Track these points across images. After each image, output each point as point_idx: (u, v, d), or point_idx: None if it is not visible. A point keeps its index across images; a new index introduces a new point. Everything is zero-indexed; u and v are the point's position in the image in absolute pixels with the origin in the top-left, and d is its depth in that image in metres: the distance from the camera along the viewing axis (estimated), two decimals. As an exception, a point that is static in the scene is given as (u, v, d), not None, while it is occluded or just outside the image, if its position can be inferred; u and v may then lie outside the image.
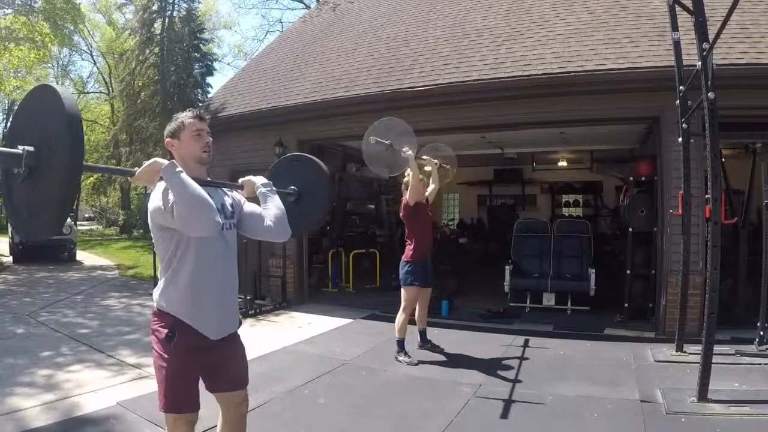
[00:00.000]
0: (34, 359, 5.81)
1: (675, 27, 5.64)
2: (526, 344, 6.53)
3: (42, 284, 11.89)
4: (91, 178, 32.19)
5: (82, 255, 18.27)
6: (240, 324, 2.74)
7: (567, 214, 14.79)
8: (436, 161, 6.09)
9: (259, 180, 2.78)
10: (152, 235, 2.51)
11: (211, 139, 2.64)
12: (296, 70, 10.56)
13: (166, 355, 2.46)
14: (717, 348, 4.70)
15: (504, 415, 4.34)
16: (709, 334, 4.52)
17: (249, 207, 2.72)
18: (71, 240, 17.13)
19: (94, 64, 35.32)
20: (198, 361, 2.53)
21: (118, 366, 5.67)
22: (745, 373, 5.14)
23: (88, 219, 47.39)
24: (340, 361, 5.86)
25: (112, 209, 39.19)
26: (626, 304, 7.59)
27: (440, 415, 4.28)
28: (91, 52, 33.93)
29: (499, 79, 7.34)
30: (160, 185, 2.28)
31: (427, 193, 6.00)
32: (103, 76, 34.53)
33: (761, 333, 5.75)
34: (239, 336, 2.75)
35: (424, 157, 5.95)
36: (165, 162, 2.22)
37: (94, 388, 4.91)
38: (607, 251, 10.71)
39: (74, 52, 32.59)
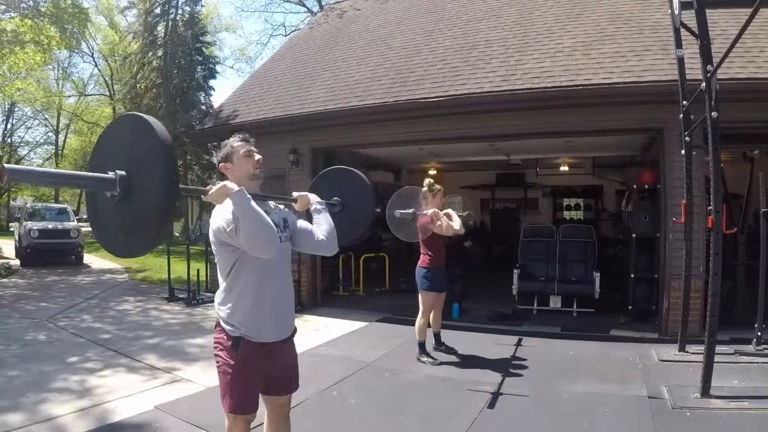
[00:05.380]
0: (62, 365, 5.91)
1: (679, 45, 5.93)
2: (536, 345, 6.83)
3: (54, 288, 11.97)
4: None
5: (88, 258, 18.26)
6: (295, 331, 2.97)
7: (568, 218, 15.07)
8: (465, 213, 6.43)
9: (314, 198, 3.04)
10: (213, 248, 2.75)
11: (260, 156, 2.87)
12: (307, 77, 10.77)
13: (231, 362, 2.69)
14: (717, 348, 4.99)
15: (524, 411, 4.64)
16: (711, 335, 4.84)
17: (301, 223, 2.94)
18: (79, 243, 17.22)
19: (96, 66, 35.42)
20: (259, 367, 2.76)
21: (149, 370, 5.79)
22: (744, 371, 5.44)
23: (80, 221, 47.32)
24: (363, 363, 6.10)
25: (114, 211, 39.21)
26: (630, 307, 7.91)
27: (465, 413, 4.56)
28: (92, 54, 34.04)
29: (510, 92, 7.59)
30: (227, 204, 2.49)
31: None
32: (104, 79, 34.61)
33: (759, 333, 6.09)
34: (294, 344, 2.99)
35: (448, 211, 6.21)
36: (234, 187, 2.44)
37: (128, 393, 5.01)
38: (608, 254, 10.99)
39: (75, 54, 32.60)
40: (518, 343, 6.88)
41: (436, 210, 5.92)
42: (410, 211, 5.60)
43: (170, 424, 4.29)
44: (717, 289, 4.92)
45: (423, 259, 6.17)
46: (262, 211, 2.48)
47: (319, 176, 3.68)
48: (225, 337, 2.73)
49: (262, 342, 2.74)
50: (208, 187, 2.51)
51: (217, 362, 2.77)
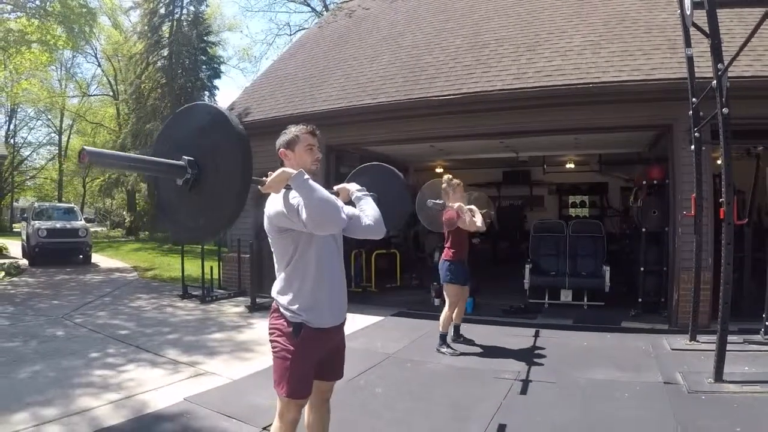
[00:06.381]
0: (86, 360, 6.00)
1: (688, 44, 6.11)
2: (550, 337, 7.01)
3: (65, 287, 12.06)
4: (98, 180, 32.48)
5: (95, 257, 18.33)
6: (346, 319, 3.05)
7: (574, 215, 15.14)
8: (483, 210, 6.63)
9: (353, 186, 3.11)
10: (270, 236, 2.82)
11: (320, 155, 2.95)
12: (319, 75, 10.94)
13: (291, 347, 2.76)
14: (727, 337, 5.18)
15: (546, 397, 4.81)
16: (724, 321, 5.05)
17: (348, 209, 2.97)
18: (87, 242, 17.32)
19: (99, 66, 35.52)
20: (315, 353, 2.83)
21: (172, 364, 5.89)
22: (753, 358, 5.64)
23: (89, 220, 47.50)
24: (384, 355, 6.26)
25: (116, 211, 39.41)
26: (640, 299, 8.09)
27: (489, 400, 4.72)
28: (95, 54, 34.12)
29: (522, 90, 7.79)
30: (282, 191, 2.58)
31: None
32: (108, 79, 34.69)
33: (767, 323, 6.28)
34: (344, 331, 3.07)
35: (471, 207, 6.44)
36: (293, 171, 2.49)
37: (155, 386, 5.12)
38: (614, 250, 11.14)
39: (78, 55, 32.69)
40: (533, 335, 7.06)
41: (461, 205, 6.12)
42: (441, 201, 5.87)
43: (202, 415, 4.38)
44: (729, 277, 5.13)
45: (446, 253, 6.36)
46: (323, 189, 2.54)
47: (354, 172, 3.73)
48: (285, 323, 2.80)
49: (321, 327, 2.82)
50: (263, 178, 2.54)
51: (274, 348, 2.84)
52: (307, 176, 2.50)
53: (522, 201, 15.86)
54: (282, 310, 2.84)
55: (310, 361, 2.83)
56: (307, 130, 2.88)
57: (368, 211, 2.96)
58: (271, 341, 2.88)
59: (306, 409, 3.09)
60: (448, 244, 6.37)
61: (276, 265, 2.90)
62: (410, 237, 13.74)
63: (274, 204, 2.70)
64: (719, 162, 5.17)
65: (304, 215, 2.47)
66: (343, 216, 2.66)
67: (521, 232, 14.03)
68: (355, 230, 2.93)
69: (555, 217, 13.79)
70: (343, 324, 3.02)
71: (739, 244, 7.72)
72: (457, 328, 6.71)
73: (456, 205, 6.09)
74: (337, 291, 2.93)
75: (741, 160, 8.85)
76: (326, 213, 2.50)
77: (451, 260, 6.29)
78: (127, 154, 2.52)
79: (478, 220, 6.28)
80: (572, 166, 13.79)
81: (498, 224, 15.80)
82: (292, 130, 2.88)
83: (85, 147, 2.02)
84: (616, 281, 8.96)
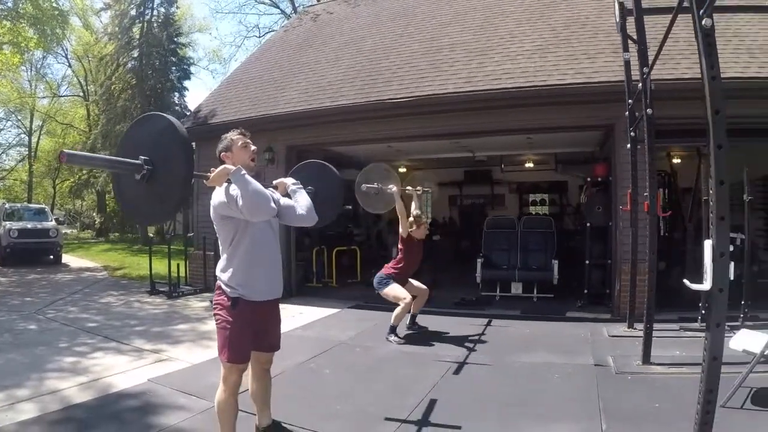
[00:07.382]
0: (56, 349, 6.28)
1: (626, 48, 6.49)
2: (496, 326, 7.37)
3: (36, 285, 12.21)
4: (68, 182, 32.17)
5: (65, 258, 18.38)
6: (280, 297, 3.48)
7: (534, 212, 15.50)
8: (418, 189, 6.98)
9: (290, 180, 3.59)
10: (214, 223, 3.28)
11: (255, 147, 3.39)
12: (282, 79, 11.20)
13: (230, 318, 3.20)
14: (664, 325, 5.60)
15: (480, 377, 5.19)
16: (650, 306, 5.49)
17: (284, 200, 3.44)
18: (58, 243, 17.36)
19: (69, 66, 35.09)
20: (251, 324, 3.26)
21: (137, 352, 6.21)
22: (687, 344, 6.00)
23: (58, 222, 46.74)
24: (336, 342, 6.60)
25: (86, 212, 39.05)
26: (586, 291, 8.50)
27: (427, 379, 5.07)
28: (66, 55, 33.73)
29: (472, 93, 8.15)
30: (224, 185, 3.05)
31: (414, 228, 6.78)
32: (78, 80, 34.28)
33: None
34: (279, 308, 3.52)
35: (408, 188, 6.80)
36: (232, 167, 3.00)
37: (121, 370, 5.44)
38: (571, 246, 11.54)
39: (49, 55, 32.27)
40: (480, 325, 7.39)
41: (395, 191, 6.28)
42: (375, 185, 6.12)
43: (163, 393, 4.76)
44: (654, 265, 5.56)
45: (388, 268, 6.74)
46: (256, 182, 3.00)
47: (296, 168, 4.17)
48: (225, 298, 3.24)
49: (256, 301, 3.25)
50: (208, 173, 3.02)
51: (217, 320, 3.27)
52: (243, 172, 2.99)
53: (483, 200, 16.17)
54: (223, 286, 3.27)
55: (247, 330, 3.24)
56: (238, 133, 3.36)
57: (302, 202, 3.44)
58: (214, 314, 3.31)
59: (250, 380, 3.55)
60: (396, 259, 6.76)
61: (220, 248, 3.34)
62: (373, 235, 14.05)
63: (217, 195, 3.16)
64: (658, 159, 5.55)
65: (240, 204, 2.94)
66: (273, 205, 3.13)
67: (482, 231, 14.34)
68: (290, 218, 3.40)
69: (516, 215, 14.14)
70: (277, 300, 3.46)
71: (682, 239, 8.20)
72: (413, 318, 7.03)
73: (392, 188, 6.25)
74: (272, 270, 3.38)
75: (694, 160, 9.27)
76: (258, 202, 2.98)
77: (386, 275, 6.65)
78: (96, 155, 3.21)
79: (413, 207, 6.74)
80: (531, 165, 14.11)
81: (460, 223, 16.20)
82: (227, 137, 3.36)
83: (63, 150, 2.60)
84: (567, 275, 9.37)
